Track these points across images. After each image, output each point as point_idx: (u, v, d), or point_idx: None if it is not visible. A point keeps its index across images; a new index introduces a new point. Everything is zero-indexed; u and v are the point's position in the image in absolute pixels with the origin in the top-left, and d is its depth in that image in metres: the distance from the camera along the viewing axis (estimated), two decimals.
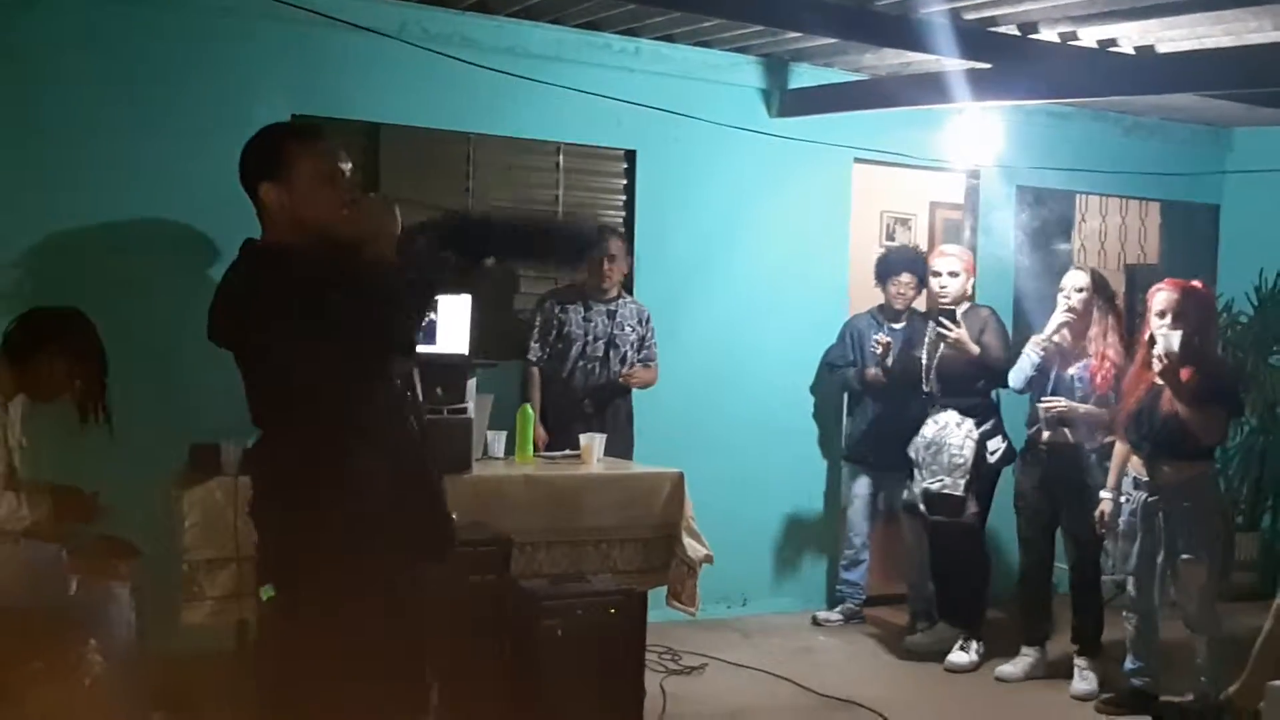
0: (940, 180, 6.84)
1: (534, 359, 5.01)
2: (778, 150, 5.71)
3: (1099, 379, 4.62)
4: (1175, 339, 4.06)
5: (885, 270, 5.59)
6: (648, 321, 5.14)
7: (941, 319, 5.00)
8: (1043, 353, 4.68)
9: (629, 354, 5.07)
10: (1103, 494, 4.48)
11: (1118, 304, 4.81)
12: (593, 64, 5.28)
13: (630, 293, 5.48)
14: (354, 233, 2.36)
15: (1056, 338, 4.68)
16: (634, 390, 5.12)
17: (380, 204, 2.43)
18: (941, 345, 5.04)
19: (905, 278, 5.52)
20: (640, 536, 4.29)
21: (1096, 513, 4.49)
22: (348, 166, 2.45)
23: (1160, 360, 4.07)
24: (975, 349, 4.94)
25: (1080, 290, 4.65)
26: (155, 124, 4.57)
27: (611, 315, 5.04)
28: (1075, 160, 6.42)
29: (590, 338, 5.01)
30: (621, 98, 5.29)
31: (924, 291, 5.52)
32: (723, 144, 5.60)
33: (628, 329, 5.06)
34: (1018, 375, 4.76)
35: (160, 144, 4.57)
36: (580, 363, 5.00)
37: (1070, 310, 4.64)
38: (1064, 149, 6.41)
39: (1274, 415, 6.40)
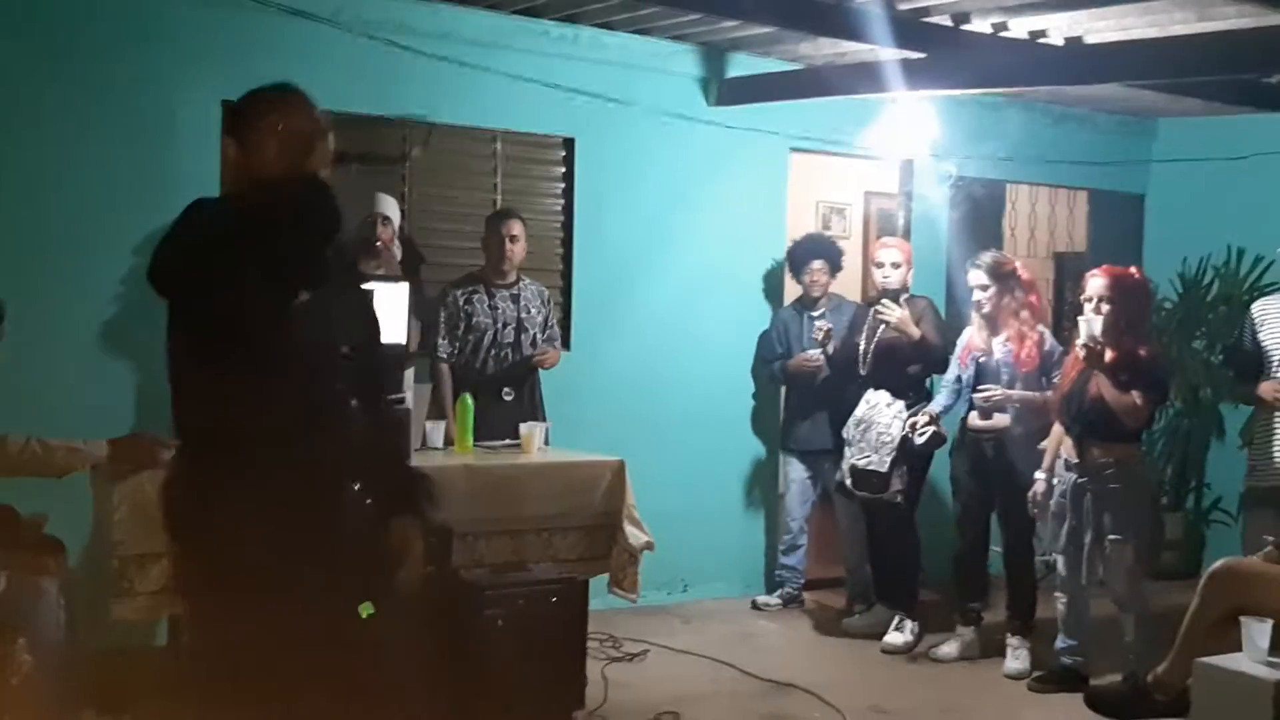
0: (875, 170, 6.91)
1: (444, 355, 4.80)
2: (715, 139, 5.72)
3: (1023, 357, 4.72)
4: (1097, 324, 4.17)
5: (796, 260, 5.66)
6: (549, 301, 5.05)
7: (884, 300, 5.06)
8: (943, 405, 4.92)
9: (537, 336, 4.95)
10: (1036, 475, 4.57)
11: (1021, 278, 4.82)
12: (531, 51, 5.25)
13: (569, 281, 5.46)
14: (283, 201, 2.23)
15: (980, 341, 4.81)
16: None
17: (311, 184, 2.28)
18: (880, 330, 5.11)
19: (817, 264, 5.58)
20: (581, 525, 4.28)
21: (1029, 494, 4.58)
22: (304, 132, 2.31)
23: (1084, 345, 4.17)
24: (916, 331, 5.01)
25: (985, 287, 4.74)
26: (78, 112, 4.44)
27: (515, 299, 4.89)
28: (1006, 150, 6.52)
29: (499, 324, 4.85)
30: (560, 85, 5.26)
31: (836, 277, 5.64)
32: (661, 132, 5.60)
33: (533, 310, 4.93)
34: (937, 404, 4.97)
35: (85, 133, 4.45)
36: (493, 351, 4.85)
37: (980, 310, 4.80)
38: (995, 139, 6.50)
39: (1197, 399, 6.58)
